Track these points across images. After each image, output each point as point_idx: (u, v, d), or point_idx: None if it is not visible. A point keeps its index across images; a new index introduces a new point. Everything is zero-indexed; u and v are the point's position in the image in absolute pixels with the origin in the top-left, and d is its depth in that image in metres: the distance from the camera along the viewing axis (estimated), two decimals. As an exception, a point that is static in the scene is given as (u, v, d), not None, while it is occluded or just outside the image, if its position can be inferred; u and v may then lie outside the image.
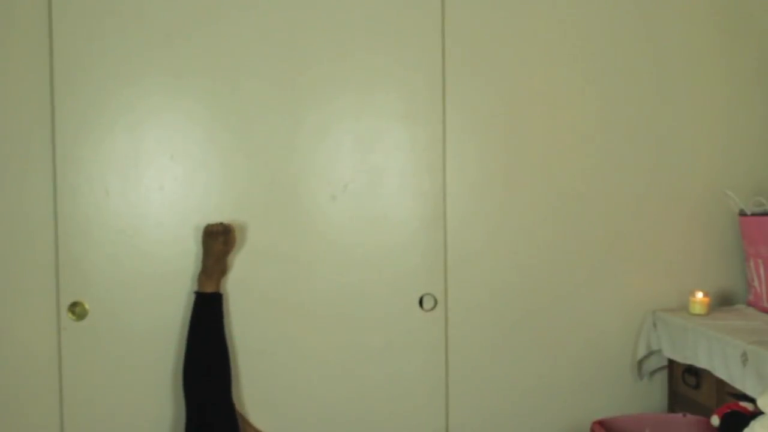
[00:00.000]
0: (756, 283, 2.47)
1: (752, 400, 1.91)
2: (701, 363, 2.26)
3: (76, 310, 2.23)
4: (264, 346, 2.35)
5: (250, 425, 2.32)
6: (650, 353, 2.55)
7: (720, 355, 2.16)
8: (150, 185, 2.28)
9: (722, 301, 2.62)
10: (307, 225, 2.38)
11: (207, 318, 2.24)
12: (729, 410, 1.92)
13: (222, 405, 2.21)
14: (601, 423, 2.31)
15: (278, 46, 2.33)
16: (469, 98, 2.45)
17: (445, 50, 2.42)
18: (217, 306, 2.26)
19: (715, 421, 1.93)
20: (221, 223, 2.26)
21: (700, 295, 2.45)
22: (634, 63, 2.55)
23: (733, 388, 2.11)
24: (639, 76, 2.55)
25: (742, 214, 2.52)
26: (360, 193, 2.40)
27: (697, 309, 2.43)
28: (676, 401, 2.52)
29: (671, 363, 2.53)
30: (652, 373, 2.60)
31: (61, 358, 2.24)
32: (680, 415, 2.34)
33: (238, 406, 2.30)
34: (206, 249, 2.25)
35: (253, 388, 2.35)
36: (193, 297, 2.25)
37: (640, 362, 2.57)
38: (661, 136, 2.58)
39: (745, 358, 2.04)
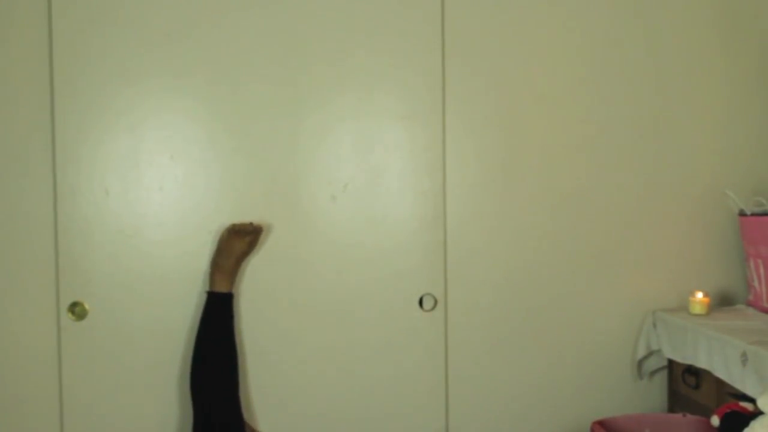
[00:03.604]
0: (756, 283, 2.47)
1: (752, 400, 1.91)
2: (701, 363, 2.25)
3: (76, 310, 2.23)
4: (263, 346, 2.35)
5: (250, 427, 2.32)
6: (650, 353, 2.54)
7: (720, 355, 2.16)
8: (150, 185, 2.28)
9: (722, 301, 2.62)
10: (307, 225, 2.38)
11: (220, 319, 2.23)
12: (729, 410, 1.92)
13: (231, 406, 2.20)
14: (601, 423, 2.31)
15: (278, 46, 2.33)
16: (468, 98, 2.45)
17: (445, 50, 2.42)
18: (230, 307, 2.25)
19: (715, 421, 1.93)
20: (251, 223, 2.24)
21: (700, 295, 2.45)
22: (634, 63, 2.55)
23: (733, 388, 2.11)
24: (639, 76, 2.55)
25: (742, 214, 2.52)
26: (360, 193, 2.40)
27: (697, 309, 2.43)
28: (676, 401, 2.52)
29: (671, 363, 2.53)
30: (652, 373, 2.60)
31: (61, 358, 2.24)
32: (680, 415, 2.34)
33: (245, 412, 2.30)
34: (228, 248, 2.22)
35: (251, 387, 2.35)
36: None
37: (640, 362, 2.57)
38: (660, 135, 2.58)
39: (744, 358, 2.04)
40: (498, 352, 2.51)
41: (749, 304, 2.53)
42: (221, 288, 2.23)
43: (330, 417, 2.40)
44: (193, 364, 2.21)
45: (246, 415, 2.33)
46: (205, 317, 2.22)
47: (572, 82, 2.52)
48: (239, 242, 2.22)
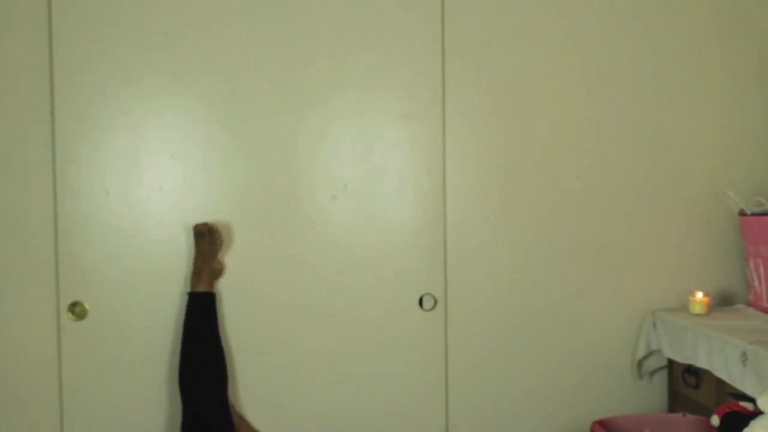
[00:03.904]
0: (756, 283, 2.47)
1: (752, 400, 1.91)
2: (701, 363, 2.26)
3: (76, 310, 2.23)
4: (264, 346, 2.35)
5: (248, 425, 2.32)
6: (650, 353, 2.55)
7: (720, 355, 2.16)
8: (150, 185, 2.28)
9: (722, 301, 2.62)
10: (307, 225, 2.38)
11: (200, 318, 2.24)
12: (729, 410, 1.92)
13: (217, 404, 2.21)
14: (601, 423, 2.31)
15: (278, 45, 2.33)
16: (468, 98, 2.45)
17: (444, 50, 2.42)
18: (210, 306, 2.26)
19: (715, 421, 1.93)
20: (206, 223, 2.26)
21: (700, 295, 2.45)
22: (634, 63, 2.55)
23: (733, 387, 2.11)
24: (639, 76, 2.55)
25: (742, 214, 2.52)
26: (360, 193, 2.40)
27: (697, 309, 2.43)
28: (676, 401, 2.52)
29: (671, 363, 2.53)
30: (652, 373, 2.60)
31: (61, 358, 2.24)
32: (680, 415, 2.34)
33: (236, 406, 2.30)
34: (196, 249, 2.25)
35: (252, 388, 2.35)
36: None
37: (640, 362, 2.57)
38: (661, 136, 2.58)
39: (744, 358, 2.04)
40: (498, 352, 2.51)
41: (749, 304, 2.53)
42: (199, 288, 2.24)
43: (330, 417, 2.40)
44: (180, 362, 2.22)
45: (245, 415, 2.33)
46: (186, 317, 2.24)
47: (572, 82, 2.52)
48: (201, 242, 2.24)
